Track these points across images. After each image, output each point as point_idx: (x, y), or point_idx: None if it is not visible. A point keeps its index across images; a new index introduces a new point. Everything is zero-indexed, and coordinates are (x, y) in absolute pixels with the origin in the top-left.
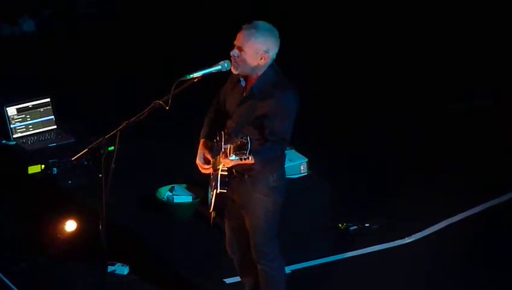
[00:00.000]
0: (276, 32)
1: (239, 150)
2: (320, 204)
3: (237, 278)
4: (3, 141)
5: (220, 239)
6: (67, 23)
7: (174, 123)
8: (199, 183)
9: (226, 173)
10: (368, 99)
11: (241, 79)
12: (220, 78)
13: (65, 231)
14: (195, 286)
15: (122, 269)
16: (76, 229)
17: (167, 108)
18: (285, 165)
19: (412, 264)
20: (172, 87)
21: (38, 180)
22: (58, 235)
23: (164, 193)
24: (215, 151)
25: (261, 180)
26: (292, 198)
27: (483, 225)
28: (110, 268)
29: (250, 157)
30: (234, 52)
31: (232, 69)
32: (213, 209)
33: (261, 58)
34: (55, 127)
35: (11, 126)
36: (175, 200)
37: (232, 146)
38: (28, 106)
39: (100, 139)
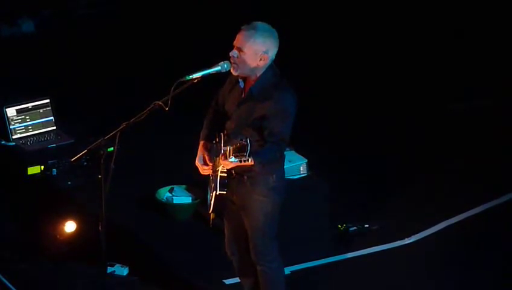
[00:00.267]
0: (275, 33)
1: (238, 152)
2: (320, 205)
3: (237, 279)
4: (3, 142)
5: (220, 240)
6: (66, 23)
7: (173, 124)
8: (199, 184)
9: (225, 175)
10: (368, 99)
11: (240, 80)
12: (220, 79)
13: (65, 231)
14: (194, 286)
15: (122, 270)
16: (75, 230)
17: (167, 109)
18: (285, 166)
19: (412, 264)
20: (172, 88)
21: (37, 181)
22: (58, 236)
23: (164, 193)
24: (214, 152)
25: (260, 181)
26: (292, 199)
27: (483, 225)
28: (109, 269)
29: (249, 159)
30: (233, 53)
31: (231, 70)
32: (212, 211)
33: (260, 59)
34: (54, 128)
35: (11, 127)
36: (174, 201)
37: (231, 148)
38: (27, 107)
39: (100, 140)
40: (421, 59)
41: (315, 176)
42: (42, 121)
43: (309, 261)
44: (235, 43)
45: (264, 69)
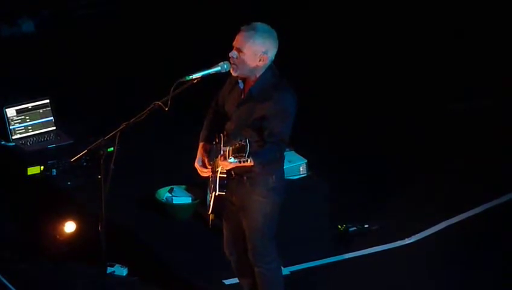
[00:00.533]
0: (275, 34)
1: (238, 153)
2: (320, 205)
3: (236, 279)
4: (3, 142)
5: (219, 240)
6: (66, 23)
7: (173, 124)
8: (198, 185)
9: (225, 175)
10: (368, 100)
11: (240, 81)
12: (220, 80)
13: (64, 232)
14: (194, 287)
15: (122, 270)
16: (75, 230)
17: (166, 109)
18: (285, 167)
19: (412, 264)
20: (172, 88)
21: (37, 182)
22: (58, 236)
23: (163, 194)
24: (214, 153)
25: (260, 181)
26: (292, 199)
27: (483, 226)
28: (109, 269)
29: (249, 160)
30: (233, 54)
31: (231, 71)
32: (212, 211)
33: (260, 60)
34: (54, 128)
35: (11, 127)
36: (174, 201)
37: (230, 148)
38: (27, 107)
39: (99, 140)
40: (421, 59)
41: (315, 176)
42: (42, 121)
43: (309, 261)
44: (234, 43)
45: (264, 70)
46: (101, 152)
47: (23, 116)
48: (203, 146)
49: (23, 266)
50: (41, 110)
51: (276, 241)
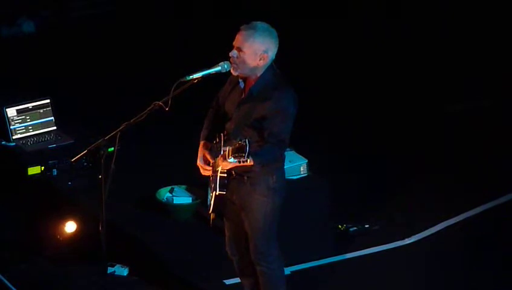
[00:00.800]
0: (275, 33)
1: (237, 153)
2: (320, 205)
3: (237, 279)
4: (3, 142)
5: (220, 240)
6: (66, 24)
7: (173, 124)
8: (199, 185)
9: (225, 175)
10: (368, 100)
11: (240, 80)
12: (220, 79)
13: (65, 232)
14: (194, 287)
15: (122, 270)
16: (76, 230)
17: (167, 109)
18: (285, 166)
19: (412, 265)
20: (172, 88)
21: (38, 182)
22: (58, 237)
23: (164, 194)
24: (214, 153)
25: (260, 181)
26: (292, 199)
27: (483, 225)
28: (109, 269)
29: (248, 160)
30: (233, 53)
31: (231, 71)
32: (212, 211)
33: (260, 59)
34: (54, 128)
35: (11, 127)
36: (175, 201)
37: (230, 148)
38: (27, 107)
39: (100, 140)
40: (420, 61)
41: (315, 176)
42: (42, 122)
43: (309, 261)
44: (234, 43)
45: (264, 69)
46: (102, 152)
47: (23, 116)
48: (204, 145)
49: (23, 266)
50: (41, 110)
51: (278, 241)
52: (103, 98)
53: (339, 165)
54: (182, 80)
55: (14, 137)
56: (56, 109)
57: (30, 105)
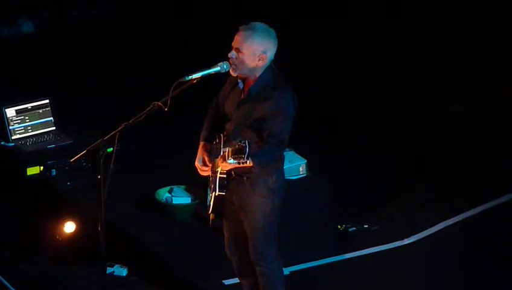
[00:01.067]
0: (274, 33)
1: (237, 154)
2: (319, 205)
3: (236, 280)
4: (2, 143)
5: (219, 240)
6: (66, 24)
7: (173, 124)
8: (198, 185)
9: (225, 176)
10: (368, 100)
11: (239, 81)
12: (219, 80)
13: (64, 232)
14: (194, 287)
15: (121, 271)
16: (75, 230)
17: (166, 109)
18: (285, 167)
19: (411, 265)
20: (172, 88)
21: (37, 182)
22: (57, 237)
23: (163, 194)
24: (214, 153)
25: (260, 182)
26: (291, 199)
27: (483, 226)
28: (109, 269)
29: (248, 161)
30: (232, 54)
31: (230, 71)
32: (212, 211)
33: (259, 60)
34: (54, 128)
35: (10, 127)
36: (174, 202)
37: (230, 149)
38: (26, 108)
39: (99, 141)
40: (420, 61)
41: (315, 176)
42: (41, 122)
43: (309, 261)
44: (233, 44)
45: (263, 70)
46: (101, 152)
47: (22, 117)
48: (203, 146)
49: (23, 267)
50: (40, 111)
51: (277, 241)
52: (102, 98)
53: (338, 165)
54: (181, 80)
55: (13, 137)
56: (55, 109)
57: (29, 105)
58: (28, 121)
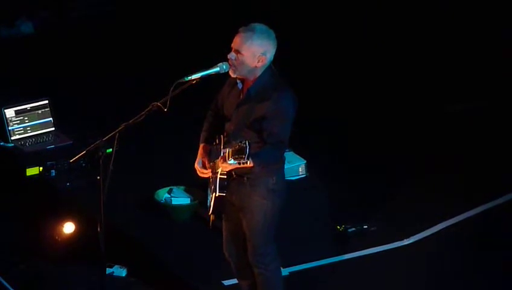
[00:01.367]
0: (273, 34)
1: (237, 154)
2: (319, 206)
3: (235, 280)
4: (2, 143)
5: (219, 241)
6: (65, 24)
7: (172, 125)
8: (197, 186)
9: (225, 177)
10: (368, 100)
11: (238, 81)
12: (219, 80)
13: (63, 233)
14: (193, 288)
15: (121, 271)
16: (74, 231)
17: (165, 110)
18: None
19: (411, 266)
20: (171, 89)
21: (36, 183)
22: (57, 238)
23: (162, 194)
24: (214, 154)
25: (260, 182)
26: (290, 200)
27: (483, 226)
28: (108, 270)
29: (248, 162)
30: (231, 55)
31: (230, 72)
32: (212, 212)
33: (259, 61)
34: (53, 129)
35: (9, 128)
36: (173, 202)
37: (230, 150)
38: (26, 108)
39: (98, 141)
40: (420, 61)
41: (314, 176)
42: (41, 122)
43: (308, 262)
44: (232, 45)
45: (263, 70)
46: (100, 153)
47: (22, 117)
48: (203, 147)
49: (22, 267)
50: (40, 111)
51: (276, 242)
52: (102, 98)
53: (337, 165)
54: (181, 80)
55: (12, 138)
56: (55, 109)
57: (28, 106)
58: (27, 121)
